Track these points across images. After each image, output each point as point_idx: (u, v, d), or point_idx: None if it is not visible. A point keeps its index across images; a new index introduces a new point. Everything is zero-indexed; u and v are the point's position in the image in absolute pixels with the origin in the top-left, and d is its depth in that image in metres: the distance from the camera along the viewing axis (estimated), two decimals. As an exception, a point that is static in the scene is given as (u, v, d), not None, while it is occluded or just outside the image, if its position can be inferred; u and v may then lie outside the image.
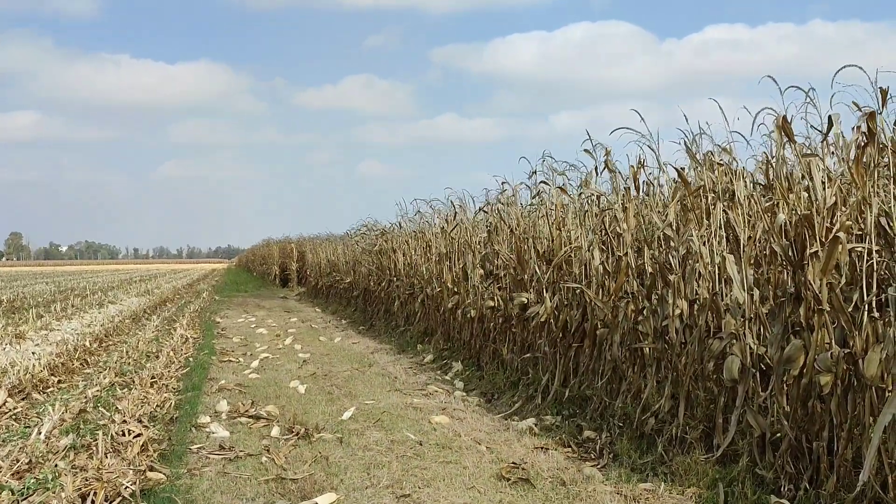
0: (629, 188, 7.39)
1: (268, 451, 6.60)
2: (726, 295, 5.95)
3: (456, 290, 12.33)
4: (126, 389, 8.57)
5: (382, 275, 18.16)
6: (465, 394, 9.29)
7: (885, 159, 5.46)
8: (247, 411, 8.10)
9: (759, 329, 5.64)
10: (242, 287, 36.99)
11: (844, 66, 4.82)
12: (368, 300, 19.69)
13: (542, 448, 6.67)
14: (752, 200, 6.16)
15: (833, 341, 4.92)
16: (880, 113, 4.87)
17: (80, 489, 5.11)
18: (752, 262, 5.86)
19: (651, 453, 6.11)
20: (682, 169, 6.84)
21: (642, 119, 6.53)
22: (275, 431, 7.26)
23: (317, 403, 8.68)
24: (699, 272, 6.24)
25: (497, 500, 5.40)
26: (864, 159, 4.95)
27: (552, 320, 8.52)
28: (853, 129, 5.31)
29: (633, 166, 7.18)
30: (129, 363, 10.63)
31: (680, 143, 6.73)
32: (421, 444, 6.85)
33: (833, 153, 5.93)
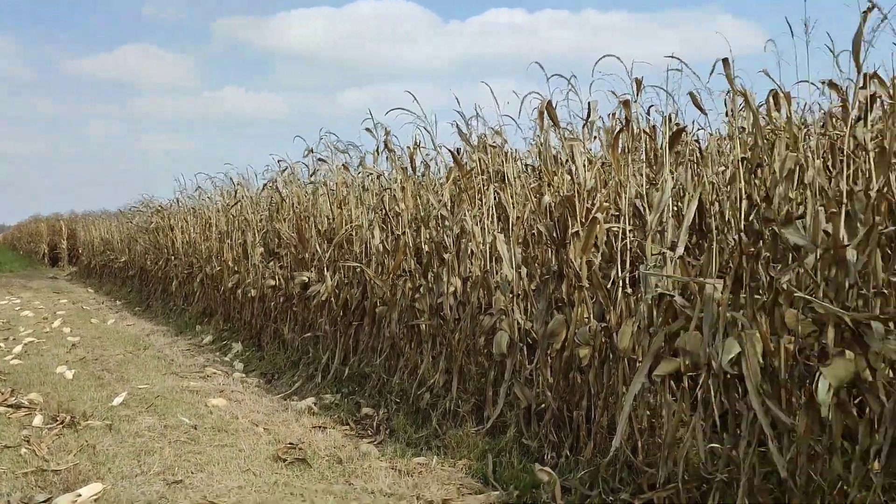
0: (406, 168, 7.51)
1: (28, 441, 6.21)
2: (497, 273, 6.17)
3: (236, 268, 12.07)
4: None
5: (160, 253, 17.49)
6: (244, 375, 9.13)
7: (641, 144, 5.86)
8: (6, 400, 7.57)
9: (527, 305, 5.91)
10: (7, 266, 34.43)
11: (604, 56, 5.08)
12: (145, 280, 18.91)
13: (320, 427, 6.67)
14: (522, 182, 6.42)
15: (592, 316, 5.23)
16: (635, 101, 5.19)
17: None
18: (520, 241, 6.12)
19: (426, 428, 6.26)
20: (459, 150, 7.03)
21: (416, 100, 6.64)
22: (37, 420, 6.83)
23: (86, 389, 8.25)
24: (472, 251, 6.44)
25: (272, 482, 5.35)
26: (620, 144, 5.27)
27: (333, 299, 8.53)
28: (608, 115, 5.64)
29: (408, 147, 7.30)
30: None
31: (458, 125, 6.89)
32: (196, 428, 6.67)
33: (596, 138, 6.28)
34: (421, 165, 7.73)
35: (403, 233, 7.28)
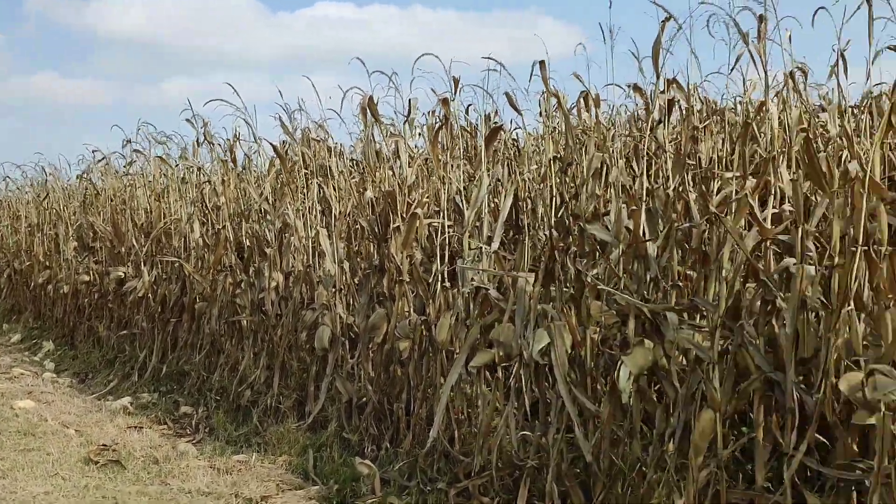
0: (227, 161, 7.38)
1: None
2: (320, 267, 6.16)
3: (48, 263, 11.47)
4: None
5: (-38, 248, 16.39)
6: (55, 375, 8.71)
7: (461, 142, 5.99)
8: None
9: (350, 300, 5.93)
10: None
11: (423, 55, 5.17)
12: (-54, 276, 17.67)
13: (136, 427, 6.46)
14: (345, 177, 6.43)
15: (412, 309, 5.30)
16: (453, 99, 5.30)
17: None
18: (343, 235, 6.13)
19: (247, 425, 6.18)
20: (285, 143, 6.97)
21: (235, 92, 6.52)
22: None
23: None
24: (294, 245, 6.40)
25: (83, 485, 5.14)
26: (440, 141, 5.37)
27: (151, 295, 8.27)
28: (428, 113, 5.74)
29: (229, 139, 7.18)
30: None
31: (280, 118, 6.82)
32: (-1, 433, 6.32)
33: (421, 134, 6.37)
34: (243, 158, 7.62)
35: (224, 227, 7.14)
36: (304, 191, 6.45)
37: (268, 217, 6.69)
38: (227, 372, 6.98)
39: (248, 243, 6.97)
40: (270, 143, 6.75)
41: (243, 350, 6.85)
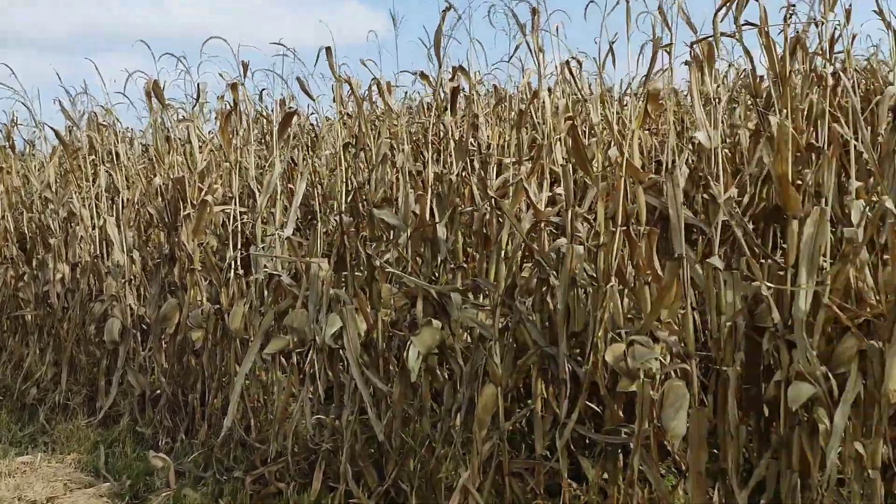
0: (5, 147, 6.97)
1: None
2: (108, 257, 5.95)
3: None
4: None
5: None
6: None
7: (256, 127, 5.92)
8: None
9: (141, 290, 5.76)
10: None
11: (210, 38, 5.05)
12: None
13: None
14: (134, 163, 6.22)
15: (205, 298, 5.22)
16: (243, 84, 5.22)
17: None
18: (132, 224, 5.94)
19: (33, 424, 5.88)
20: (71, 128, 6.64)
21: (13, 73, 6.16)
22: None
23: None
24: (81, 235, 6.14)
25: None
26: (231, 127, 5.28)
27: (-77, 291, 7.68)
28: (218, 97, 5.64)
29: (6, 124, 6.78)
30: None
31: (61, 102, 6.49)
32: None
33: (217, 119, 6.23)
34: (24, 145, 7.20)
35: (3, 216, 6.75)
36: (91, 178, 6.18)
37: (51, 206, 6.37)
38: (10, 370, 6.62)
39: (30, 234, 6.62)
40: (52, 128, 6.42)
41: (28, 346, 6.52)
